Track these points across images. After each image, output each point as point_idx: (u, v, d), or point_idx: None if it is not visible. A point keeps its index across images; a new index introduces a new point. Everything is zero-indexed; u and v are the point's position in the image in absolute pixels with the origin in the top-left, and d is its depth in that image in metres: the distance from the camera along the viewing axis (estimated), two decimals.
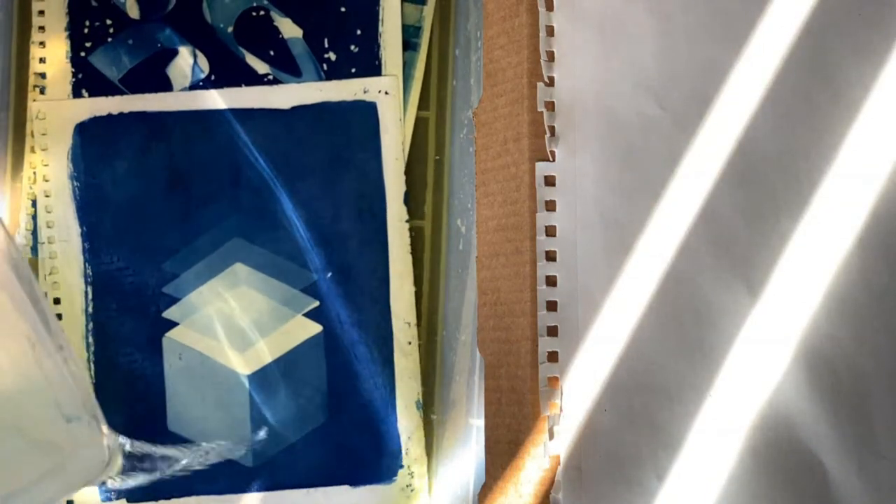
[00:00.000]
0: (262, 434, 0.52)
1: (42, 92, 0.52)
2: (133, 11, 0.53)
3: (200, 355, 0.52)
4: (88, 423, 0.44)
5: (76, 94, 0.53)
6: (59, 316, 0.52)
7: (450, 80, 0.55)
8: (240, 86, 0.53)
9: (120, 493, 0.52)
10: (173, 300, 0.52)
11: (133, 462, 0.47)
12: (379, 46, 0.54)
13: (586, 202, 0.43)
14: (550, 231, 0.42)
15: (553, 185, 0.43)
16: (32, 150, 0.52)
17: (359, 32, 0.53)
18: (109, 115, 0.53)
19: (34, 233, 0.53)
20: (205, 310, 0.52)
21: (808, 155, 0.42)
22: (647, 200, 0.42)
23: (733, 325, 0.42)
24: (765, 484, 0.41)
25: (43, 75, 0.52)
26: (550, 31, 0.43)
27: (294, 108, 0.53)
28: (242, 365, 0.52)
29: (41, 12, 0.53)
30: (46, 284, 0.52)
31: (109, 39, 0.53)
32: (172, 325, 0.52)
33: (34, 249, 0.53)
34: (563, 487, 0.41)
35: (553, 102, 0.43)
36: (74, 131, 0.52)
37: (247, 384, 0.52)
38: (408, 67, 0.54)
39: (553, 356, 0.42)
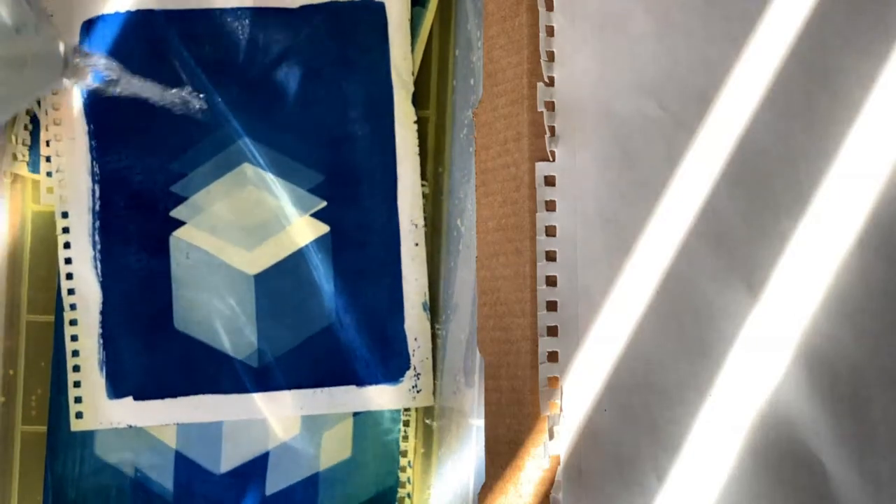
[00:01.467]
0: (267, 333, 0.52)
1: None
2: None
3: (207, 254, 0.52)
4: (37, 30, 0.44)
5: None
6: (65, 214, 0.52)
7: (450, 80, 0.55)
8: None
9: (126, 391, 0.51)
10: (181, 199, 0.52)
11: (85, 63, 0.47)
12: None
13: (586, 202, 0.43)
14: (550, 231, 0.42)
15: (553, 185, 0.43)
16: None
17: None
18: (117, 13, 0.52)
19: (32, 148, 0.52)
20: (212, 209, 0.52)
21: (808, 155, 0.42)
22: (647, 200, 0.42)
23: (733, 325, 0.42)
24: (765, 484, 0.41)
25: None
26: (550, 31, 0.43)
27: (302, 7, 0.53)
28: (249, 265, 0.52)
29: None
30: (53, 181, 0.51)
31: None
32: (180, 223, 0.52)
33: (30, 165, 0.52)
34: (563, 487, 0.41)
35: (553, 102, 0.43)
36: (81, 28, 0.52)
37: (253, 284, 0.52)
38: None
39: (553, 356, 0.42)
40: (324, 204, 0.52)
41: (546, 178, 0.43)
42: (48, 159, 0.51)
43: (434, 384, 0.52)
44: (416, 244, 0.52)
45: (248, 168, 0.52)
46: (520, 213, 0.43)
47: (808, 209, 0.42)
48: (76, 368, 0.52)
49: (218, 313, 0.52)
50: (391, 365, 0.52)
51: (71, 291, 0.52)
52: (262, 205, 0.52)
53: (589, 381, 0.42)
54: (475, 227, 0.46)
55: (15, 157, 0.52)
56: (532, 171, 0.43)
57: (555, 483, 0.41)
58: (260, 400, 0.52)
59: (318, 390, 0.52)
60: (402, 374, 0.52)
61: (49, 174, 0.52)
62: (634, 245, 0.42)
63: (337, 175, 0.52)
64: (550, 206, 0.43)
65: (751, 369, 0.41)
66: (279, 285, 0.52)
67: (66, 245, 0.51)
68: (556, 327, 0.42)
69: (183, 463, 0.52)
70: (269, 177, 0.52)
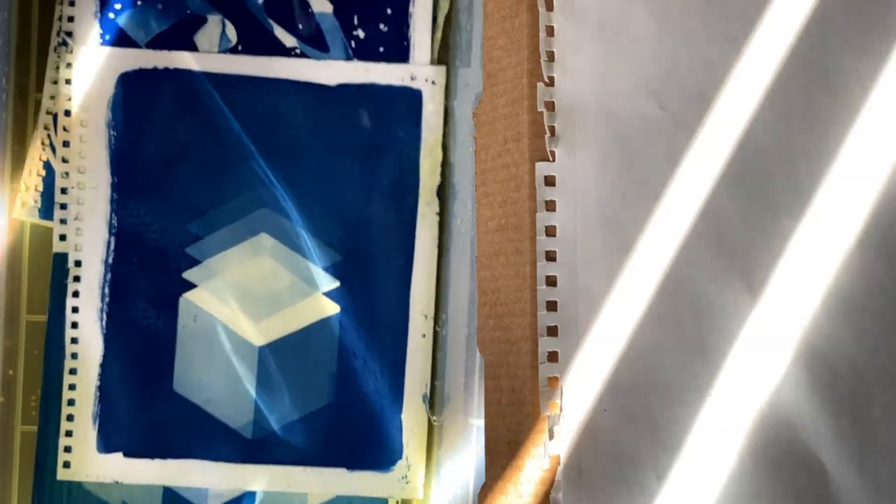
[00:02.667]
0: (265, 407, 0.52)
1: (68, 50, 0.52)
2: None
3: (215, 320, 0.52)
4: None
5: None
6: (78, 262, 0.52)
7: (450, 80, 0.55)
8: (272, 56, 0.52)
9: (116, 447, 0.52)
10: (195, 262, 0.52)
11: None
12: (408, 27, 0.53)
13: (586, 202, 0.43)
14: (550, 231, 0.42)
15: (553, 185, 0.43)
16: (48, 112, 0.52)
17: (389, 11, 0.53)
18: (155, 69, 0.52)
19: (44, 194, 0.52)
20: (225, 275, 0.52)
21: (808, 155, 0.42)
22: (647, 200, 0.42)
23: (733, 324, 0.42)
24: (765, 484, 0.41)
25: (70, 34, 0.52)
26: (550, 31, 0.43)
27: (339, 86, 0.53)
28: (256, 335, 0.52)
29: None
30: (69, 229, 0.52)
31: (139, 2, 0.52)
32: (191, 286, 0.52)
33: (42, 211, 0.52)
34: (563, 487, 0.41)
35: (553, 102, 0.43)
36: (118, 80, 0.52)
37: (257, 355, 0.52)
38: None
39: (553, 356, 0.42)
40: (337, 284, 0.52)
41: (546, 178, 0.43)
42: (63, 206, 0.52)
43: (425, 478, 0.52)
44: (424, 336, 0.52)
45: (266, 238, 0.52)
46: (520, 213, 0.43)
47: (808, 209, 0.42)
48: (70, 417, 0.52)
49: (218, 380, 0.52)
50: (383, 453, 0.52)
51: (74, 340, 0.52)
52: (275, 277, 0.52)
53: (589, 381, 0.42)
54: (475, 227, 0.46)
55: (24, 204, 0.52)
56: (532, 171, 0.43)
57: (555, 483, 0.41)
58: (249, 472, 0.52)
59: (309, 469, 0.52)
60: (394, 464, 0.52)
61: (63, 221, 0.52)
62: (634, 245, 0.42)
63: (354, 257, 0.52)
64: (550, 206, 0.43)
65: (751, 369, 0.41)
66: (283, 359, 0.52)
67: (76, 294, 0.52)
68: (556, 327, 0.42)
69: None
70: (287, 250, 0.52)
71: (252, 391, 0.52)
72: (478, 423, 0.49)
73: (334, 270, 0.52)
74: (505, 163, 0.44)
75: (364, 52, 0.53)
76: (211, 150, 0.52)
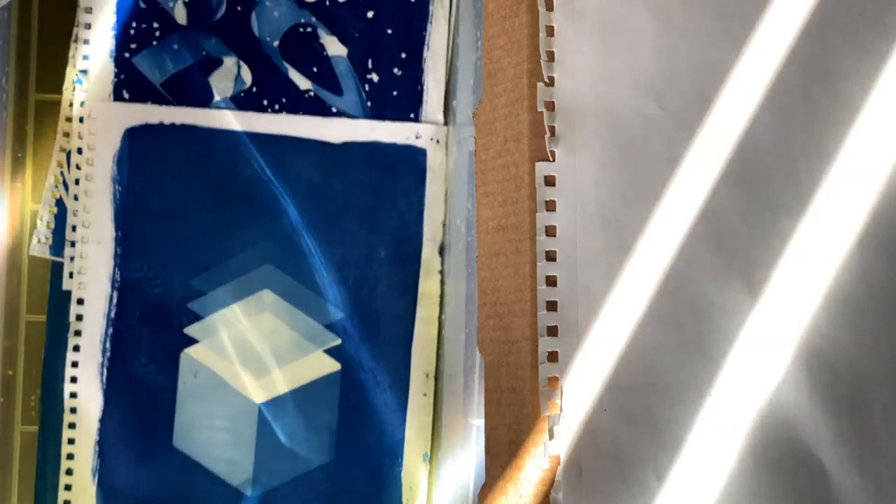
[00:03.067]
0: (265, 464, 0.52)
1: (84, 88, 0.52)
2: (181, 17, 0.53)
3: (216, 376, 0.52)
4: None
5: (117, 94, 0.52)
6: (80, 317, 0.52)
7: (450, 79, 0.55)
8: (282, 101, 0.53)
9: (116, 502, 0.52)
10: (197, 317, 0.52)
11: None
12: (422, 71, 0.53)
13: (586, 202, 0.43)
14: (550, 231, 0.42)
15: (553, 185, 0.43)
16: (62, 149, 0.52)
17: (403, 56, 0.53)
18: (161, 124, 0.52)
19: (56, 231, 0.53)
20: (227, 331, 0.52)
21: (808, 155, 0.42)
22: (647, 200, 0.42)
23: (733, 324, 0.42)
24: (765, 484, 0.41)
25: (84, 72, 0.52)
26: (550, 31, 0.43)
27: (344, 144, 0.53)
28: (256, 392, 0.52)
29: (89, 9, 0.52)
30: (73, 283, 0.52)
31: (155, 43, 0.53)
32: (192, 341, 0.52)
33: (53, 248, 0.53)
34: (563, 487, 0.41)
35: (553, 102, 0.43)
36: (124, 135, 0.52)
37: (257, 412, 0.52)
38: None
39: (553, 356, 0.42)
40: (338, 342, 0.52)
41: (546, 178, 0.43)
42: (73, 244, 0.52)
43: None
44: (425, 394, 0.52)
45: (268, 294, 0.52)
46: (520, 213, 0.43)
47: (808, 209, 0.42)
48: (69, 472, 0.52)
49: (218, 436, 0.52)
50: None
51: (73, 395, 0.52)
52: (277, 333, 0.52)
53: (589, 381, 0.42)
54: (475, 227, 0.46)
55: (39, 241, 0.53)
56: (532, 171, 0.43)
57: (555, 483, 0.41)
58: None
59: None
60: None
61: (72, 259, 0.52)
62: (634, 245, 0.42)
63: (355, 314, 0.52)
64: (550, 206, 0.43)
65: (751, 369, 0.41)
66: (283, 416, 0.52)
67: (76, 348, 0.52)
68: (556, 327, 0.42)
69: None
70: (289, 307, 0.52)
71: (252, 448, 0.52)
72: (478, 423, 0.49)
73: (335, 328, 0.52)
74: (505, 163, 0.44)
75: (378, 96, 0.53)
76: (215, 206, 0.52)
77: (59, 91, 0.53)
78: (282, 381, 0.52)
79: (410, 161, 0.53)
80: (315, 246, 0.52)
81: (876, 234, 0.42)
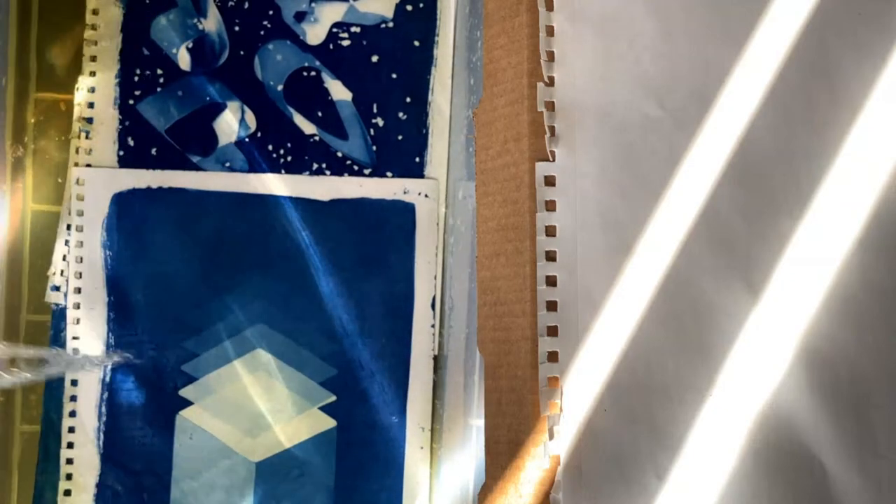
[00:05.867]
0: None
1: (87, 136, 0.52)
2: (184, 63, 0.53)
3: (211, 437, 0.52)
4: None
5: (121, 141, 0.52)
6: (75, 382, 0.52)
7: (450, 80, 0.55)
8: (286, 146, 0.53)
9: None
10: (191, 379, 0.52)
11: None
12: (427, 115, 0.53)
13: (586, 202, 0.43)
14: (550, 231, 0.42)
15: (553, 185, 0.43)
16: (70, 213, 0.53)
17: (408, 100, 0.53)
18: (148, 189, 0.53)
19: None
20: (221, 392, 0.52)
21: (808, 155, 0.42)
22: (647, 200, 0.42)
23: (733, 325, 0.42)
24: (765, 484, 0.41)
25: (90, 120, 0.52)
26: (550, 31, 0.43)
27: (333, 201, 0.53)
28: (252, 451, 0.52)
29: (94, 58, 0.53)
30: (69, 348, 0.52)
31: (159, 89, 0.53)
32: (187, 403, 0.52)
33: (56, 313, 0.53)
34: (563, 487, 0.41)
35: (553, 102, 0.43)
36: (112, 201, 0.52)
37: (254, 471, 0.52)
38: None
39: (553, 356, 0.42)
40: (333, 398, 0.52)
41: (546, 178, 0.43)
42: (77, 290, 0.52)
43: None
44: (422, 448, 0.52)
45: (261, 354, 0.53)
46: (520, 213, 0.43)
47: (808, 209, 0.42)
48: None
49: (216, 497, 0.52)
50: None
51: (70, 461, 0.52)
52: (271, 392, 0.52)
53: (589, 381, 0.42)
54: (475, 227, 0.46)
55: (52, 288, 0.53)
56: (532, 171, 0.43)
57: (555, 483, 0.41)
58: None
59: None
60: None
61: (77, 306, 0.52)
62: (634, 245, 0.42)
63: (349, 371, 0.52)
64: (550, 206, 0.43)
65: (751, 369, 0.41)
66: (280, 475, 0.52)
67: (72, 413, 0.52)
68: (556, 327, 0.42)
69: None
70: (282, 365, 0.52)
71: None
72: (478, 423, 0.49)
73: (330, 385, 0.52)
74: (505, 163, 0.44)
75: (383, 140, 0.53)
76: (205, 267, 0.52)
77: (59, 91, 0.53)
78: (278, 440, 0.52)
79: (399, 217, 0.53)
80: (307, 303, 0.53)
81: (876, 234, 0.42)
